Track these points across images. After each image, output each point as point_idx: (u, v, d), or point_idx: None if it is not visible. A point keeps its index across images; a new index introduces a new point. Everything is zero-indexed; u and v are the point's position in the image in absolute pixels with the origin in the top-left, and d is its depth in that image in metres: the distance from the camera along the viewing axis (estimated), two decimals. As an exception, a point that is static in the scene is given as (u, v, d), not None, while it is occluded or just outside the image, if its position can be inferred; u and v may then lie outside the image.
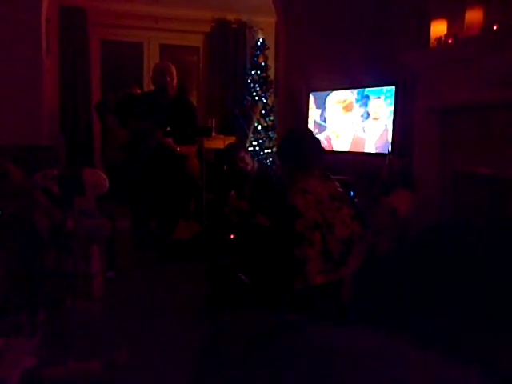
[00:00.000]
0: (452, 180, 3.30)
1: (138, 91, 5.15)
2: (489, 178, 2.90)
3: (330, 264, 2.21)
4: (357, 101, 4.22)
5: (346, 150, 4.33)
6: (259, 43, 6.31)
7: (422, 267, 1.94)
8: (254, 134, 6.20)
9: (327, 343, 1.03)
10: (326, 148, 4.43)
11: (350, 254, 2.22)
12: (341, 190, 2.45)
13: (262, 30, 6.45)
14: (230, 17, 6.46)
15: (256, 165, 4.00)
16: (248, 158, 3.92)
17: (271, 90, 6.35)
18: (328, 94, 4.47)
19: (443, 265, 1.93)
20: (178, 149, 4.00)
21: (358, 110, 4.21)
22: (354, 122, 4.26)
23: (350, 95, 4.28)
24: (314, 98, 4.58)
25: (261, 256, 2.66)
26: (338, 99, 4.39)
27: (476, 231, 2.27)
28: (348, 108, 4.30)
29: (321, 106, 4.53)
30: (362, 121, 4.19)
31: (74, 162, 5.35)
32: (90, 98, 6.06)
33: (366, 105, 4.15)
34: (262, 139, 6.26)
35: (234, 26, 6.51)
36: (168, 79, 4.06)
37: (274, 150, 6.09)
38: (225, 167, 4.36)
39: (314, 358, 0.96)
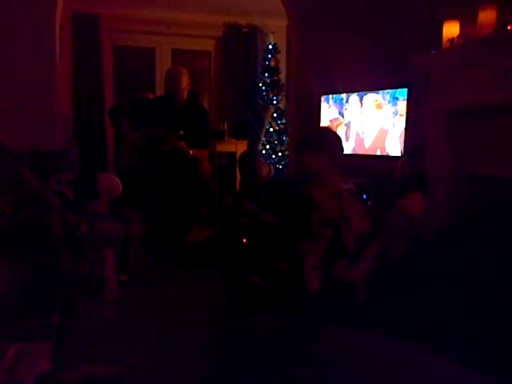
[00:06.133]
0: (466, 182, 3.27)
1: (150, 96, 5.17)
2: (503, 180, 2.88)
3: (344, 261, 2.23)
4: (371, 102, 4.21)
5: (361, 152, 4.32)
6: (270, 47, 6.31)
7: (435, 270, 1.93)
8: (265, 137, 6.21)
9: (342, 347, 1.03)
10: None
11: (365, 250, 2.24)
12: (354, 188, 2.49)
13: (273, 33, 6.46)
14: (242, 21, 6.48)
15: (272, 170, 4.01)
16: (265, 165, 3.94)
17: (283, 94, 6.35)
18: (340, 97, 4.46)
19: (457, 268, 1.92)
20: (191, 152, 4.02)
21: (370, 112, 4.20)
22: (364, 124, 4.25)
23: (359, 98, 4.27)
24: (328, 100, 4.58)
25: (271, 255, 2.67)
26: (352, 102, 4.38)
27: (490, 234, 2.25)
28: (365, 110, 4.29)
29: (338, 108, 4.53)
30: (374, 122, 4.17)
31: (87, 166, 5.39)
32: (103, 103, 6.10)
33: (381, 107, 4.13)
34: (273, 142, 6.26)
35: (245, 30, 6.52)
36: (179, 84, 4.07)
37: (287, 153, 6.09)
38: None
39: (329, 361, 0.95)
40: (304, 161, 2.57)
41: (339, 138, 2.62)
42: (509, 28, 2.83)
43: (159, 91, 6.07)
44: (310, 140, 2.65)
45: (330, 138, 2.58)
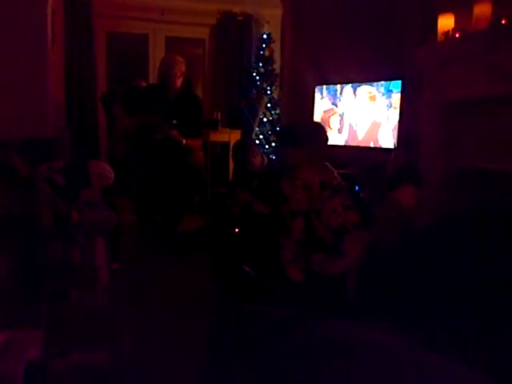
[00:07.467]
0: (458, 175, 3.28)
1: (144, 84, 5.13)
2: (496, 173, 2.88)
3: (323, 253, 2.24)
4: (363, 94, 4.20)
5: (354, 144, 4.32)
6: (265, 36, 6.28)
7: (426, 262, 1.94)
8: (259, 127, 6.19)
9: (332, 338, 1.03)
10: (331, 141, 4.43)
11: (343, 242, 2.25)
12: (337, 181, 2.48)
13: (267, 23, 6.42)
14: (236, 9, 6.44)
15: (266, 160, 4.00)
16: (258, 154, 3.93)
17: (277, 84, 6.33)
18: (334, 88, 4.45)
19: (448, 261, 1.93)
20: (184, 141, 3.99)
21: (364, 104, 4.19)
22: (358, 116, 4.25)
23: (353, 89, 4.26)
24: (322, 91, 4.57)
25: (262, 246, 2.68)
26: (346, 93, 4.37)
27: (483, 227, 2.26)
28: (359, 102, 4.28)
29: (332, 99, 4.52)
30: (368, 114, 4.17)
31: (79, 154, 5.36)
32: (96, 90, 6.05)
33: (375, 99, 4.13)
34: (267, 132, 6.25)
35: (239, 18, 6.48)
36: (171, 70, 4.02)
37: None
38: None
39: (319, 353, 0.95)
40: (281, 154, 2.60)
41: (321, 130, 2.61)
42: (503, 22, 2.82)
43: (152, 78, 6.02)
44: (286, 133, 2.67)
45: (308, 132, 2.56)
